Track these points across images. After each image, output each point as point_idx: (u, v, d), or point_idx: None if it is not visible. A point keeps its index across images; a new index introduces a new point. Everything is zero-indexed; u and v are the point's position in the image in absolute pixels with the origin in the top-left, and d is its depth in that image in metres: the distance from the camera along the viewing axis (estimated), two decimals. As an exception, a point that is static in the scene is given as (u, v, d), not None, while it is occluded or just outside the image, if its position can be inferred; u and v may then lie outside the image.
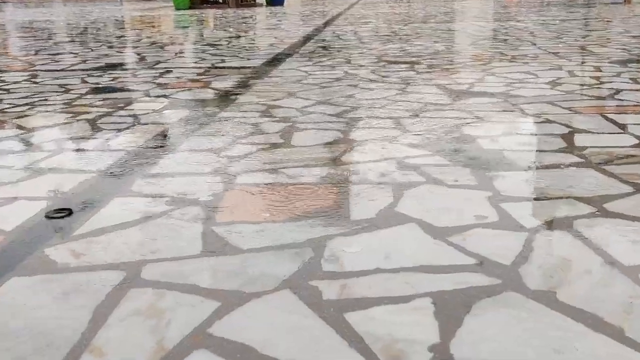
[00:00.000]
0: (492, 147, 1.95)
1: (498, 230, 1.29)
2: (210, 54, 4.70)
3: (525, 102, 2.63)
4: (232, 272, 1.13)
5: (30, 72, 3.84)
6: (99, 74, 3.72)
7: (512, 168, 1.72)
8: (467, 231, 1.28)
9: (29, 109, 2.69)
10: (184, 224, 1.36)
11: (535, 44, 4.93)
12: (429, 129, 2.18)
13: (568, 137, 2.05)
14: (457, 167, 1.74)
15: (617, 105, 2.52)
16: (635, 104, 2.55)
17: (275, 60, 4.23)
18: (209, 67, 3.94)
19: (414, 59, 4.15)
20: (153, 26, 7.90)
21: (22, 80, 3.52)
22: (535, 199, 1.48)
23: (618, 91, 2.83)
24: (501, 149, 1.92)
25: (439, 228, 1.30)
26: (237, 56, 4.51)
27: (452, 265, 1.13)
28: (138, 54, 4.78)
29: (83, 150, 2.02)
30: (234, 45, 5.28)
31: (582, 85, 3.04)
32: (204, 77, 3.54)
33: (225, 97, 2.91)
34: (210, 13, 10.56)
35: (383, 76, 3.41)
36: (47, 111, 2.64)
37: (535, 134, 2.13)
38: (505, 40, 5.32)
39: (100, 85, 3.30)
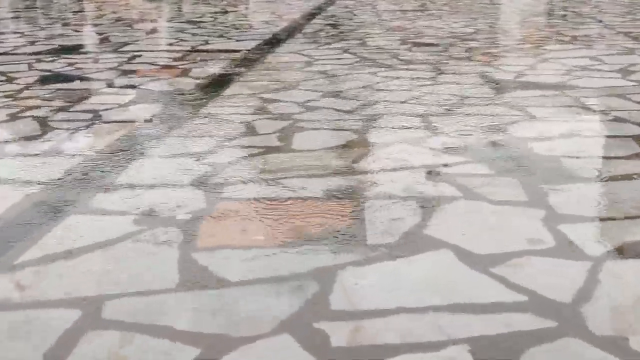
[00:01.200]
0: (546, 152, 1.94)
1: (554, 258, 1.28)
2: (190, 33, 4.72)
3: (589, 95, 2.63)
4: (217, 310, 1.13)
5: (-35, 57, 3.88)
6: (50, 58, 3.74)
7: (572, 179, 1.72)
8: (515, 260, 1.28)
9: (-38, 102, 2.71)
10: (157, 249, 1.37)
11: (601, 21, 4.93)
12: (467, 129, 2.18)
13: (643, 140, 2.05)
14: (503, 177, 1.74)
15: None
16: None
17: (273, 42, 4.24)
18: (189, 51, 3.96)
19: (448, 40, 4.16)
20: (119, -2, 7.95)
21: (-46, 67, 3.55)
22: (602, 219, 1.48)
23: None
24: (558, 154, 1.92)
25: (480, 256, 1.30)
26: (224, 36, 4.54)
27: (496, 304, 1.13)
28: (100, 34, 4.81)
29: (29, 155, 2.03)
30: (220, 23, 5.31)
31: (661, 73, 3.04)
32: (182, 62, 3.56)
33: (209, 89, 2.92)
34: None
35: (409, 62, 3.42)
36: (-15, 106, 2.66)
37: (602, 136, 2.12)
38: (564, 16, 5.33)
39: (52, 73, 3.32)
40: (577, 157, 1.89)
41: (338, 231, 1.43)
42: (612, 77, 2.96)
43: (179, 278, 1.24)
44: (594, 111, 2.41)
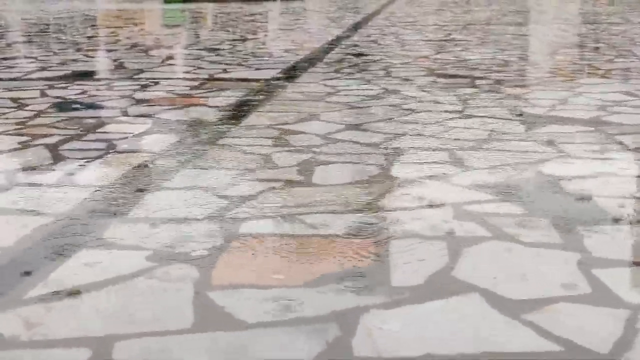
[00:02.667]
0: (580, 191, 1.93)
1: (590, 306, 1.27)
2: (208, 61, 4.76)
3: (624, 132, 2.61)
4: (233, 353, 1.12)
5: (-24, 82, 3.93)
6: (63, 84, 3.79)
7: (608, 221, 1.70)
8: (549, 306, 1.26)
9: (-28, 129, 2.74)
10: (170, 286, 1.36)
11: (636, 55, 4.92)
12: (496, 166, 2.18)
13: (683, 181, 2.03)
14: (535, 218, 1.72)
15: None
16: None
17: (293, 71, 4.27)
18: (206, 79, 3.99)
19: (474, 72, 4.17)
20: (134, 24, 8.06)
21: (-35, 92, 3.59)
22: (641, 264, 1.46)
23: None
24: (593, 194, 1.90)
25: (511, 301, 1.28)
26: (243, 65, 4.57)
27: (529, 353, 1.11)
28: (114, 60, 4.86)
29: (40, 185, 2.04)
30: (239, 51, 5.35)
31: (700, 110, 3.02)
32: (199, 91, 3.59)
33: (227, 119, 2.93)
34: (208, 8, 10.78)
35: (434, 94, 3.42)
36: (-5, 133, 2.68)
37: (639, 176, 2.10)
38: (596, 48, 5.33)
39: (64, 100, 3.35)
40: (613, 197, 1.88)
41: (361, 271, 1.42)
42: (648, 114, 2.95)
43: (194, 318, 1.24)
44: (630, 149, 2.39)
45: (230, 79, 3.98)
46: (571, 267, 1.43)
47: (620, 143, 2.47)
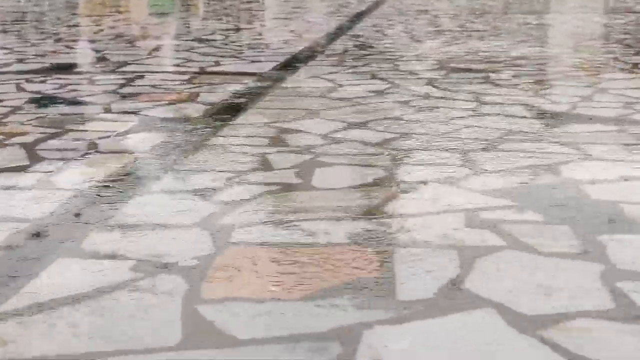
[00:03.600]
0: (604, 197, 1.93)
1: (614, 322, 1.26)
2: (199, 53, 4.77)
3: (653, 132, 2.62)
4: (224, 373, 1.12)
5: (-54, 75, 3.93)
6: (41, 78, 3.79)
7: (634, 229, 1.70)
8: (569, 322, 1.26)
9: (-59, 126, 2.74)
10: (156, 300, 1.36)
11: (666, 47, 4.92)
12: (512, 169, 2.17)
13: None
14: (554, 225, 1.72)
15: None
16: None
17: (291, 64, 4.27)
18: (197, 72, 4.00)
19: (490, 65, 4.17)
20: (119, 11, 8.06)
21: None
22: (670, 277, 1.46)
23: None
24: (618, 200, 1.90)
25: (528, 317, 1.28)
26: (237, 57, 4.57)
27: (547, 374, 1.11)
28: (96, 52, 4.87)
29: (14, 188, 2.04)
30: (232, 42, 5.36)
31: None
32: (189, 86, 3.59)
33: (219, 116, 2.93)
34: (199, -5, 10.78)
35: (445, 89, 3.42)
36: (-34, 131, 2.68)
37: (668, 180, 2.11)
38: (623, 40, 5.33)
39: (42, 95, 3.35)
40: (640, 204, 1.88)
41: (364, 284, 1.42)
42: (679, 112, 2.95)
43: (182, 334, 1.23)
44: (659, 150, 2.39)
45: (223, 73, 3.98)
46: (593, 279, 1.43)
47: (648, 144, 2.47)
